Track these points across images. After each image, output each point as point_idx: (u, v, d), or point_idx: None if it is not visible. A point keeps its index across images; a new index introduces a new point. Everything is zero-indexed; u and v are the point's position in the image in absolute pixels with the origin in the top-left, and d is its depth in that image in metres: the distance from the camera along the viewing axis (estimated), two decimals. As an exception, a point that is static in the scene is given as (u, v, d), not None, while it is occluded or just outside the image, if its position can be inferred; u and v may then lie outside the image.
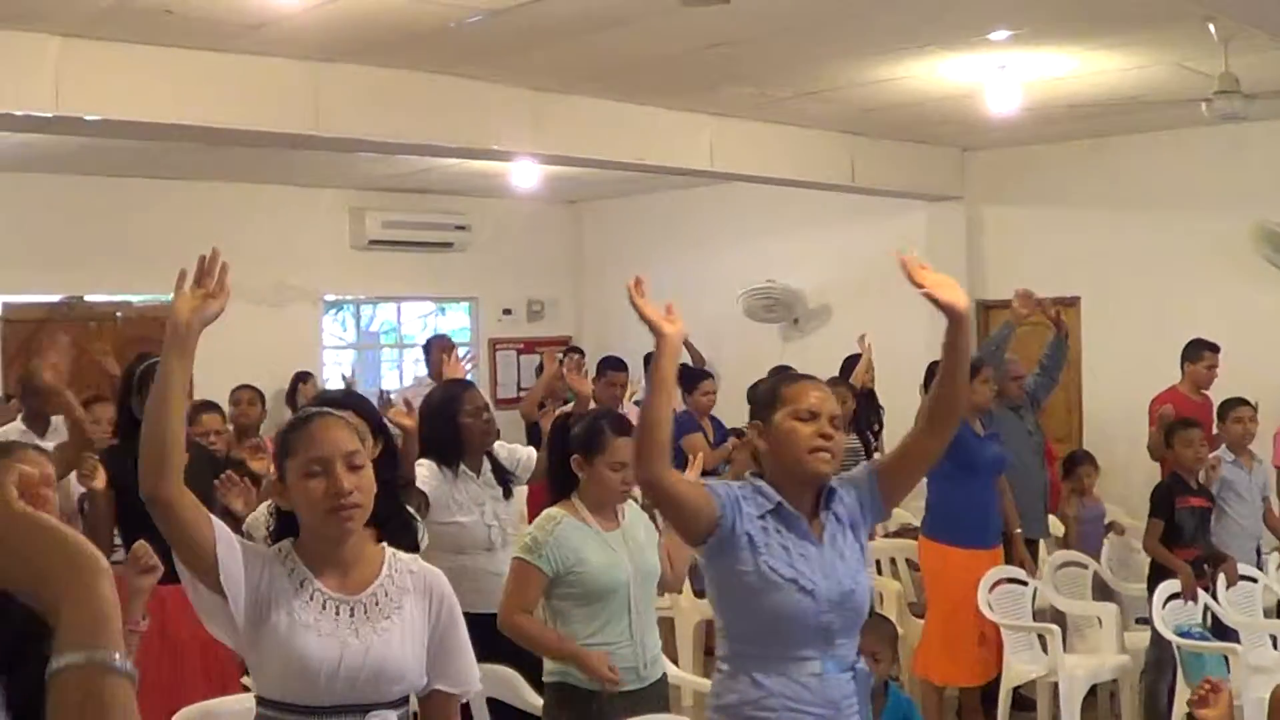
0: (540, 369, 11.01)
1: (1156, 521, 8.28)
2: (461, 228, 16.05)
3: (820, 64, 9.85)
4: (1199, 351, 10.46)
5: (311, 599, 3.46)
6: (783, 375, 4.56)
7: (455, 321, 17.07)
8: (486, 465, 6.36)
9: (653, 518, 5.90)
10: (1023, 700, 8.35)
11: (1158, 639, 8.02)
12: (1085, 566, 9.23)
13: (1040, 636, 8.22)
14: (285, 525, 3.61)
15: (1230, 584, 8.25)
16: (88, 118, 8.63)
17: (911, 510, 9.55)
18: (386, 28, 8.36)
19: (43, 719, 1.55)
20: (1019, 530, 8.77)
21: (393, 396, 7.22)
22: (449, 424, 6.27)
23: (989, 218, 13.77)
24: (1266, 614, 8.46)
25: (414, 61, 9.29)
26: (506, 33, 8.50)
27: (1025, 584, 8.44)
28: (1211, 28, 8.50)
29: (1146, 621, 8.27)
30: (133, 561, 4.40)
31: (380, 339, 16.97)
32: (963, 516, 8.14)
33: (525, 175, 13.72)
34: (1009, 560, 8.53)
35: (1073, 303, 12.92)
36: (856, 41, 9.16)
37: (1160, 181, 12.57)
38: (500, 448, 6.58)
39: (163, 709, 4.66)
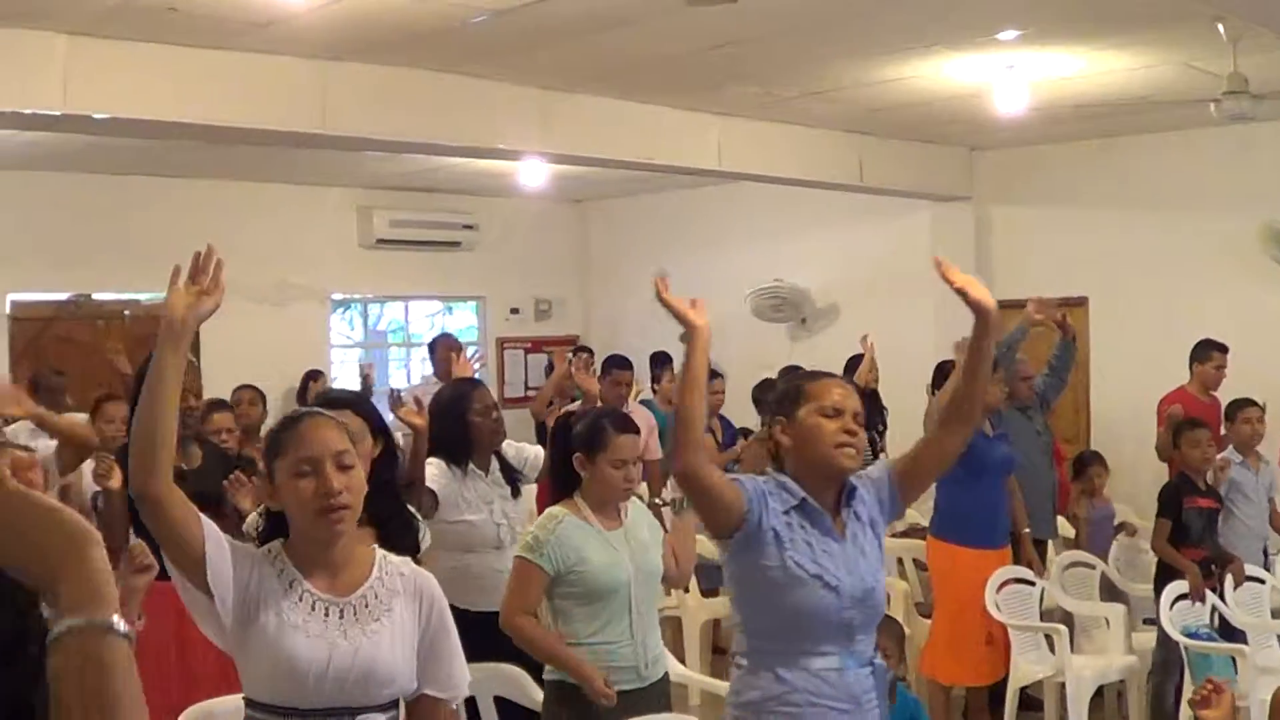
0: (550, 368, 11.05)
1: (1164, 522, 8.27)
2: (469, 227, 16.06)
3: (827, 63, 9.84)
4: (1207, 352, 10.45)
5: (300, 600, 3.43)
6: (805, 372, 4.59)
7: (463, 320, 17.07)
8: (495, 464, 6.37)
9: (658, 516, 5.90)
10: (1029, 701, 8.35)
11: (1165, 639, 8.02)
12: (1093, 567, 9.21)
13: (1047, 637, 8.22)
14: (275, 526, 3.59)
15: (1238, 585, 8.25)
16: (95, 116, 8.64)
17: (919, 510, 9.54)
18: (393, 26, 8.36)
19: (32, 716, 1.59)
20: (1027, 530, 8.77)
21: (403, 395, 7.22)
22: (458, 423, 6.27)
23: (997, 218, 13.76)
24: (1274, 615, 8.44)
25: (421, 60, 9.30)
26: (513, 32, 8.51)
27: (1033, 584, 8.43)
28: (1220, 27, 8.49)
29: (1154, 622, 8.27)
30: (129, 560, 4.39)
31: (388, 338, 16.97)
32: (971, 517, 8.13)
33: (533, 174, 13.73)
34: (1017, 560, 8.52)
35: (1080, 303, 12.90)
36: (864, 41, 9.15)
37: (1168, 182, 12.56)
38: (508, 446, 6.58)
39: (181, 707, 4.66)
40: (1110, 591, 9.22)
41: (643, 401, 11.42)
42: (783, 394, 4.29)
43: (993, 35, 8.89)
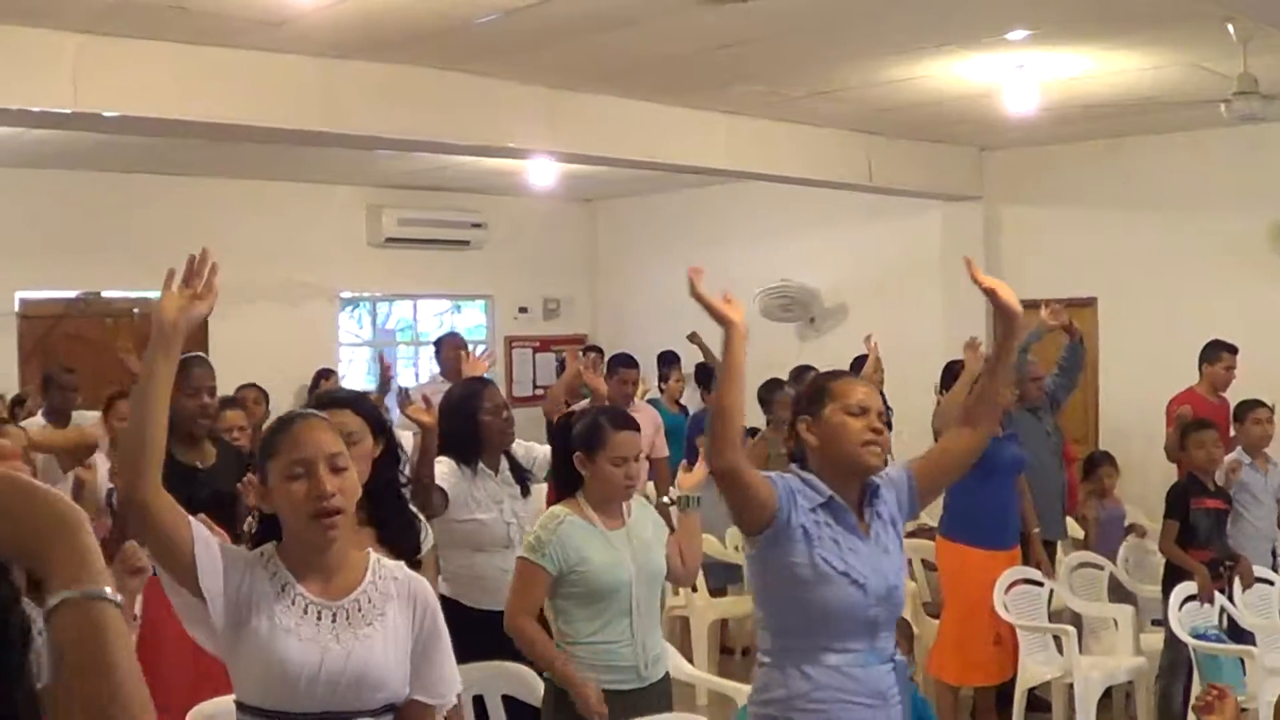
0: (562, 367, 11.03)
1: (1172, 523, 8.26)
2: (477, 226, 16.07)
3: (836, 63, 9.84)
4: (1216, 353, 10.44)
5: (293, 603, 3.41)
6: (828, 372, 4.62)
7: (471, 319, 17.08)
8: (505, 463, 6.36)
9: (666, 515, 5.90)
10: (1037, 702, 8.34)
11: (1172, 641, 8.00)
12: (1101, 568, 9.20)
13: (1056, 638, 8.21)
14: (268, 528, 3.56)
15: (1245, 585, 8.23)
16: (105, 114, 8.66)
17: (928, 511, 9.53)
18: (401, 25, 8.36)
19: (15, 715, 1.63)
20: (1037, 530, 8.76)
21: (411, 393, 7.22)
22: (468, 422, 6.26)
23: (1006, 218, 13.74)
24: (1283, 616, 8.44)
25: (428, 59, 9.30)
26: (521, 31, 8.51)
27: (1041, 585, 8.43)
28: (1230, 28, 8.48)
29: (1162, 623, 8.25)
30: (122, 562, 4.38)
31: (396, 336, 16.98)
32: (981, 517, 8.12)
33: (541, 173, 13.73)
34: (1026, 561, 8.51)
35: (1089, 303, 12.90)
36: (873, 40, 9.15)
37: (1178, 182, 12.54)
38: (517, 446, 6.57)
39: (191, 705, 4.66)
40: (1118, 592, 9.21)
41: (650, 401, 11.43)
42: (807, 393, 4.32)
43: (1002, 35, 8.89)
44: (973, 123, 11.93)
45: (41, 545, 1.68)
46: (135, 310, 13.46)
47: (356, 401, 4.67)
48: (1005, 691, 8.22)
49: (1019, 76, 9.78)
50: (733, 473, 4.01)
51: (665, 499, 7.41)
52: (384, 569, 3.56)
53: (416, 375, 16.10)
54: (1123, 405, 12.73)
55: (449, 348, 11.20)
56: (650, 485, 10.33)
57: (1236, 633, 8.00)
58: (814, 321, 14.96)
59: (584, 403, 8.65)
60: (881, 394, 11.21)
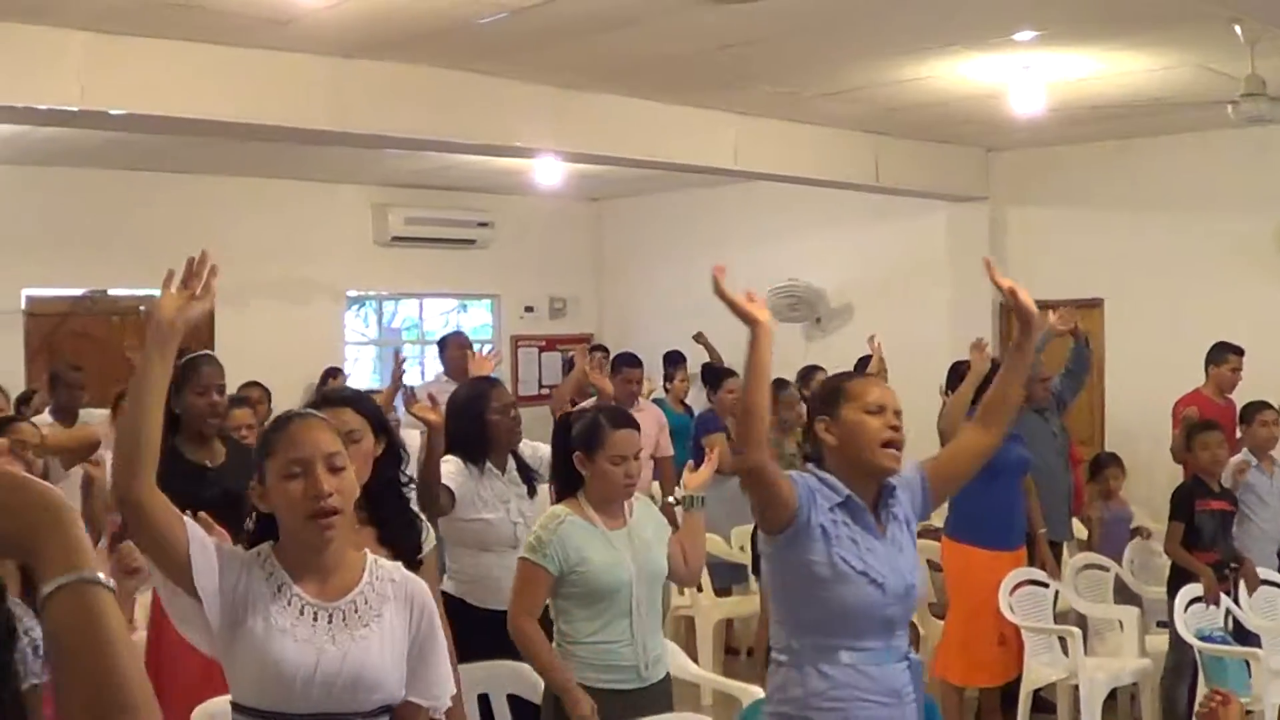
0: (570, 365, 11.03)
1: (1176, 525, 8.25)
2: (484, 224, 16.07)
3: (843, 63, 9.84)
4: (1223, 354, 10.44)
5: (289, 604, 3.40)
6: (842, 374, 4.67)
7: (477, 318, 17.09)
8: (512, 463, 6.36)
9: (671, 515, 5.89)
10: (1042, 703, 8.33)
11: (1177, 643, 8.00)
12: (1106, 569, 9.20)
13: (1061, 639, 8.20)
14: (264, 528, 3.55)
15: (1250, 587, 8.22)
16: (112, 112, 8.66)
17: (934, 511, 9.54)
18: (408, 24, 8.37)
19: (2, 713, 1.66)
20: (1043, 531, 8.76)
21: (417, 391, 7.21)
22: (476, 421, 6.26)
23: (1013, 219, 13.73)
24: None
25: (436, 58, 9.30)
26: (528, 30, 8.51)
27: (1046, 586, 8.42)
28: (1238, 29, 8.47)
29: (1167, 625, 8.24)
30: (118, 562, 4.37)
31: (402, 335, 16.98)
32: (987, 518, 8.12)
33: (548, 173, 13.72)
34: (1031, 562, 8.51)
35: (1096, 304, 12.89)
36: (880, 41, 9.14)
37: (1185, 183, 12.52)
38: (524, 445, 6.57)
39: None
40: (1124, 594, 9.20)
41: (655, 400, 11.42)
42: (823, 394, 4.36)
43: (1009, 36, 8.88)
44: (979, 123, 11.93)
45: (34, 537, 1.71)
46: (141, 308, 13.44)
47: (357, 400, 4.66)
48: (1010, 692, 8.22)
49: (1026, 77, 9.78)
50: (759, 471, 4.04)
51: (671, 498, 7.41)
52: (381, 570, 3.55)
53: (422, 374, 16.10)
54: (1129, 406, 12.72)
55: (454, 347, 11.20)
56: (655, 485, 10.34)
57: (1242, 635, 8.00)
58: (820, 321, 14.95)
59: (590, 400, 8.65)
60: (887, 394, 11.12)
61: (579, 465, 5.17)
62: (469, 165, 13.46)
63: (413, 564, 4.26)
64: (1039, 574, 8.44)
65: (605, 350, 13.04)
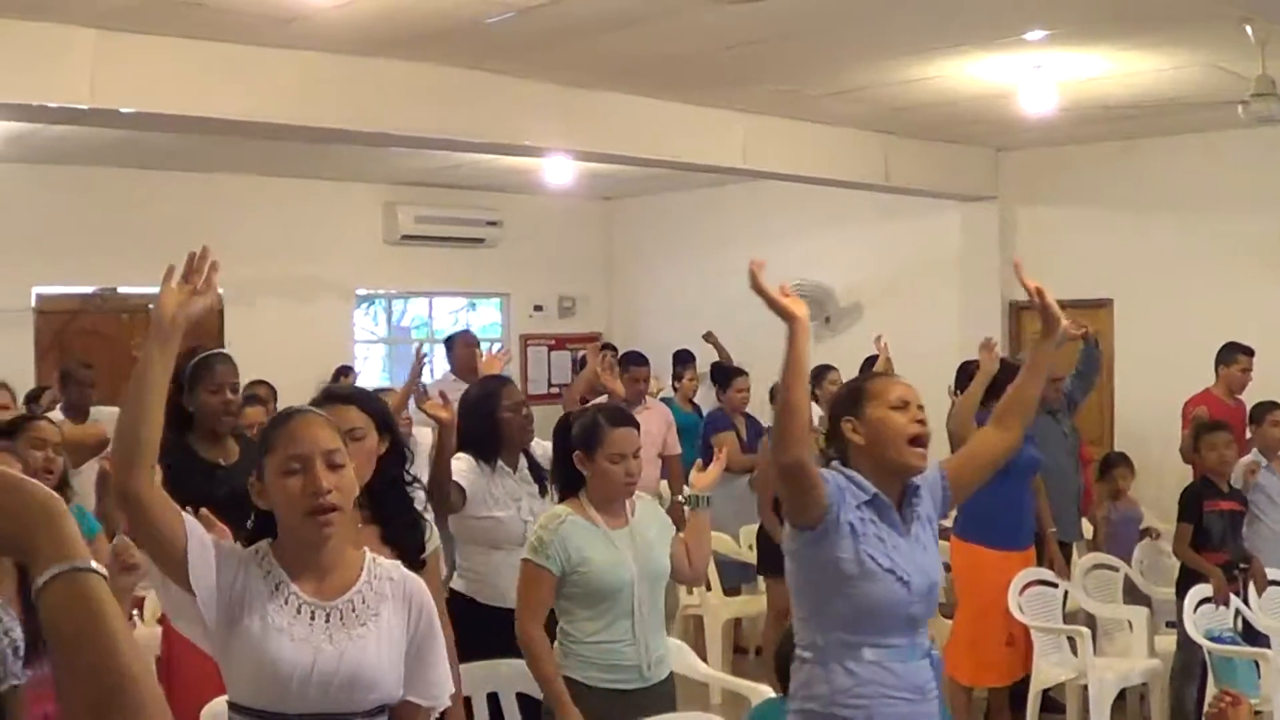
0: (582, 364, 11.04)
1: (1185, 526, 8.24)
2: (493, 223, 16.08)
3: (853, 62, 9.83)
4: (1233, 354, 10.42)
5: (286, 603, 3.38)
6: (862, 375, 4.70)
7: (486, 317, 17.10)
8: (523, 461, 6.35)
9: (680, 514, 5.87)
10: (1051, 703, 8.32)
11: (1185, 643, 7.98)
12: (1116, 569, 9.19)
13: (1070, 639, 8.19)
14: (263, 525, 3.52)
15: (1259, 588, 8.21)
16: (122, 110, 8.67)
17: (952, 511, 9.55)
18: (417, 23, 8.37)
19: None
20: (1053, 530, 8.75)
21: (429, 389, 7.22)
22: (488, 419, 6.27)
23: (1022, 218, 13.72)
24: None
25: (445, 57, 9.30)
26: (538, 29, 8.51)
27: (1055, 586, 8.42)
28: (1248, 29, 8.46)
29: (1176, 625, 8.23)
30: (114, 559, 4.37)
31: (412, 334, 16.98)
32: (996, 517, 8.11)
33: (558, 171, 13.73)
34: (1040, 562, 8.50)
35: (1105, 304, 12.88)
36: (890, 40, 9.14)
37: (1195, 183, 12.51)
38: (535, 444, 6.57)
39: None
40: (1133, 594, 9.19)
41: (663, 399, 11.43)
42: (846, 395, 4.38)
43: (1020, 35, 8.88)
44: (989, 123, 11.92)
45: (27, 533, 1.74)
46: (151, 306, 13.41)
47: (361, 397, 4.65)
48: (1019, 692, 8.21)
49: (1036, 77, 9.77)
50: (799, 468, 4.06)
51: (680, 497, 7.41)
52: (379, 569, 3.52)
53: (431, 372, 16.10)
54: (1138, 407, 12.70)
55: (461, 345, 11.23)
56: (664, 484, 10.34)
57: (1251, 635, 7.98)
58: (829, 321, 14.93)
59: (601, 399, 8.65)
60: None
61: (579, 465, 5.17)
62: (478, 164, 13.48)
63: (416, 563, 4.25)
64: (1049, 574, 8.43)
65: (613, 349, 13.04)
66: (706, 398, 12.51)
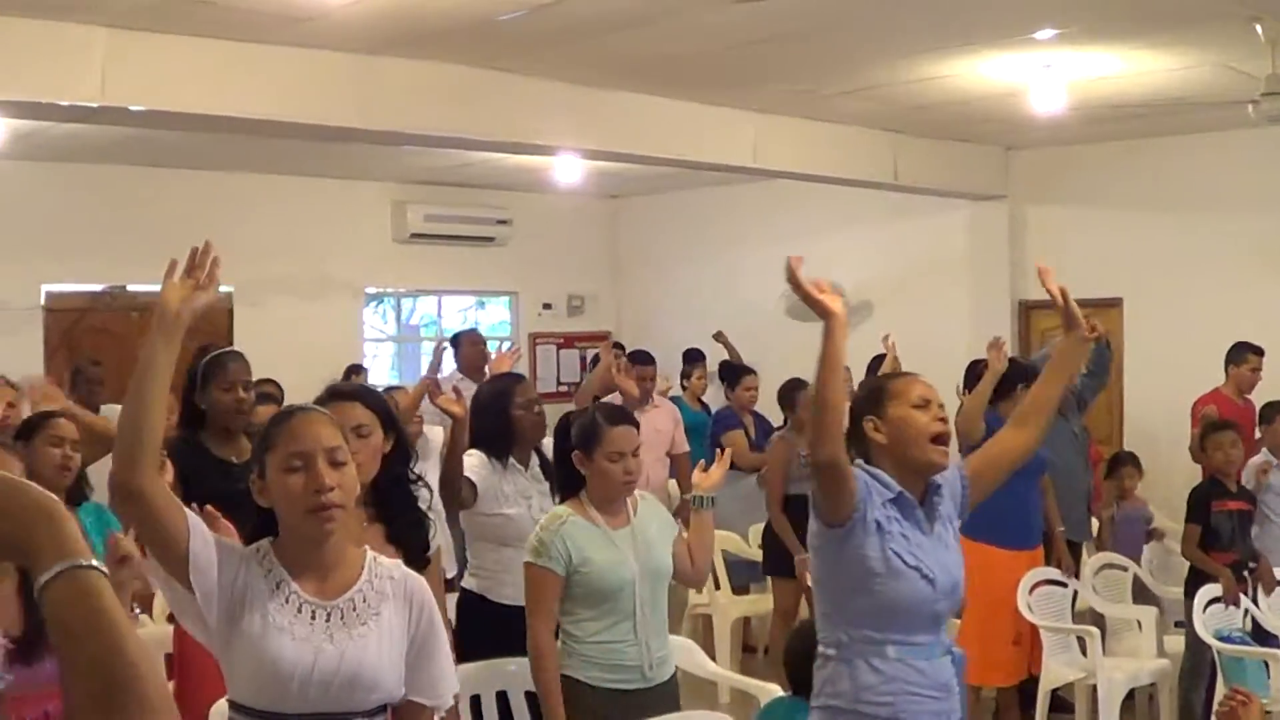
0: (595, 362, 11.06)
1: (1193, 527, 8.21)
2: (503, 222, 16.07)
3: (863, 61, 9.83)
4: (1242, 354, 10.42)
5: (287, 601, 3.36)
6: (882, 375, 4.73)
7: (495, 315, 17.11)
8: (535, 459, 6.36)
9: (681, 512, 5.87)
10: (1060, 703, 8.32)
11: (1194, 644, 7.97)
12: (1125, 569, 9.18)
13: (1079, 639, 8.18)
14: (264, 523, 3.49)
15: (1267, 588, 8.19)
16: (132, 108, 8.68)
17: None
18: (428, 21, 8.37)
19: None
20: (1061, 529, 8.74)
21: (442, 383, 7.22)
22: (500, 416, 6.28)
23: (1032, 217, 13.71)
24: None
25: (456, 55, 9.31)
26: (548, 27, 8.52)
27: (1065, 586, 8.41)
28: (1258, 28, 8.45)
29: (1185, 625, 8.22)
30: (109, 553, 4.37)
31: (420, 332, 17.00)
32: (1004, 517, 8.08)
33: (567, 170, 13.73)
34: (1048, 561, 8.49)
35: (1115, 304, 12.86)
36: (900, 39, 9.13)
37: (1205, 183, 12.49)
38: (547, 442, 6.58)
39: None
40: (1142, 594, 9.18)
41: (673, 398, 11.42)
42: (867, 395, 4.40)
43: (1030, 34, 8.87)
44: (999, 122, 11.91)
45: (28, 535, 1.75)
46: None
47: (367, 394, 4.66)
48: (1028, 691, 8.20)
49: (1046, 76, 9.76)
50: (835, 465, 4.07)
51: (688, 496, 7.41)
52: (380, 568, 3.50)
53: (441, 371, 16.11)
54: (1148, 406, 12.69)
55: (467, 344, 11.25)
56: (673, 483, 10.34)
57: (1261, 635, 7.97)
58: (838, 320, 14.90)
59: (612, 395, 8.66)
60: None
61: (578, 464, 5.16)
62: (488, 162, 13.48)
63: (421, 561, 4.25)
64: (1057, 573, 8.42)
65: (621, 348, 13.04)
66: (716, 396, 12.51)
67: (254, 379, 10.14)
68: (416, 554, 4.27)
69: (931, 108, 11.28)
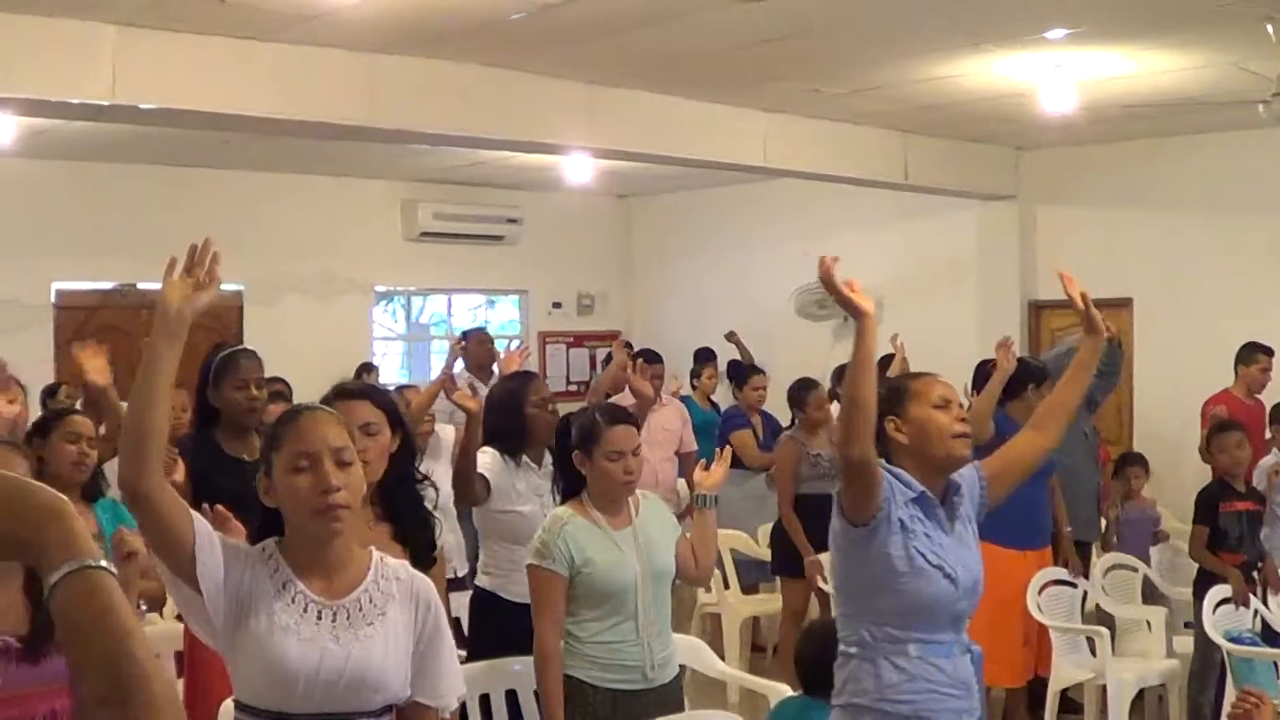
0: (608, 360, 11.05)
1: (1201, 529, 8.17)
2: (512, 220, 16.08)
3: (874, 61, 9.83)
4: (1252, 354, 10.40)
5: (293, 602, 3.34)
6: (903, 374, 4.75)
7: (505, 314, 17.12)
8: (548, 458, 6.36)
9: (686, 512, 5.87)
10: (1070, 703, 8.31)
11: (1202, 645, 7.94)
12: (1135, 570, 9.17)
13: (1089, 639, 8.18)
14: (270, 523, 3.48)
15: (1273, 586, 8.17)
16: (143, 106, 8.69)
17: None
18: (438, 20, 8.38)
19: None
20: (1069, 529, 8.72)
21: (458, 379, 7.24)
22: (514, 414, 6.30)
23: (1042, 217, 13.70)
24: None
25: (467, 54, 9.31)
26: (558, 26, 8.52)
27: (1075, 586, 8.40)
28: (1269, 28, 8.44)
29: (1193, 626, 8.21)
30: (114, 550, 4.37)
31: (430, 330, 17.02)
32: (1013, 517, 8.01)
33: (577, 169, 13.73)
34: (1055, 560, 8.48)
35: (1125, 304, 12.84)
36: (911, 39, 9.13)
37: (1215, 183, 12.48)
38: None
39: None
40: (1152, 595, 9.17)
41: (684, 399, 11.42)
42: (888, 395, 4.39)
43: (1041, 34, 8.86)
44: (1010, 122, 11.90)
45: (36, 535, 1.75)
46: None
47: (373, 393, 4.66)
48: (1037, 692, 8.20)
49: (1057, 76, 9.75)
50: (866, 464, 4.10)
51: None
52: (386, 568, 3.49)
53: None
54: (1158, 407, 12.68)
55: (475, 343, 11.27)
56: (682, 482, 10.34)
57: (1270, 636, 7.95)
58: (849, 320, 14.84)
59: (622, 395, 8.67)
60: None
61: (578, 465, 5.16)
62: (498, 161, 13.50)
63: (428, 560, 4.25)
64: (1065, 574, 8.41)
65: (629, 346, 13.04)
66: (726, 396, 12.51)
67: (269, 377, 10.21)
68: (423, 553, 4.27)
69: (942, 107, 11.27)
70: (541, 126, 10.35)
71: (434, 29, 8.58)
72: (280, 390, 9.78)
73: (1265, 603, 8.06)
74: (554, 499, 5.57)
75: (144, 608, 4.59)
